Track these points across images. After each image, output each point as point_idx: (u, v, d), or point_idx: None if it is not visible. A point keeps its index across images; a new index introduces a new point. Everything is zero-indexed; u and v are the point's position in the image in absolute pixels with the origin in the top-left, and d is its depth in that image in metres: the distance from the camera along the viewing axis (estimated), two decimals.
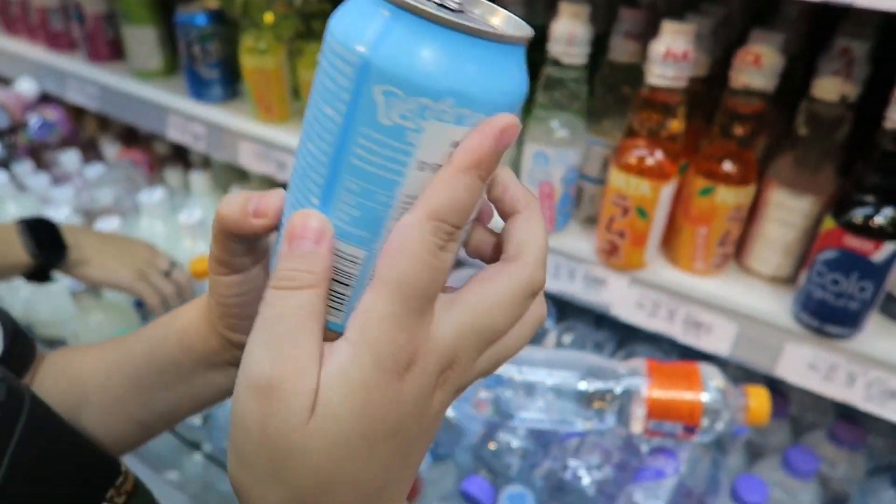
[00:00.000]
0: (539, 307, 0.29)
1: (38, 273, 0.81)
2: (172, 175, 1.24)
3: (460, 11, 0.26)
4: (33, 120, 1.28)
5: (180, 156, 1.36)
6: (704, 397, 0.66)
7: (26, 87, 1.26)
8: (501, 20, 0.28)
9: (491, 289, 0.27)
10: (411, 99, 0.23)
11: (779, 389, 0.87)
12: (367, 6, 0.24)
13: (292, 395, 0.24)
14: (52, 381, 0.48)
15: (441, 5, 0.25)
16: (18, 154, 1.26)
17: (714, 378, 0.67)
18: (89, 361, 0.48)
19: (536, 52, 0.80)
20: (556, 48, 0.68)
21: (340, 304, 0.28)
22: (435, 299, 0.26)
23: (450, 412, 0.78)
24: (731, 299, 0.69)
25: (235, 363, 0.38)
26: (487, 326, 0.27)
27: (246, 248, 0.32)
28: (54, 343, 0.98)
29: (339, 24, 0.25)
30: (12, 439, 0.37)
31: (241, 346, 0.34)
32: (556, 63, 0.69)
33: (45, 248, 0.79)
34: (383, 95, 0.23)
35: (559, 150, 0.72)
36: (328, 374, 0.25)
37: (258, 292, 0.33)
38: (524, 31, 0.26)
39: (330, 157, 0.25)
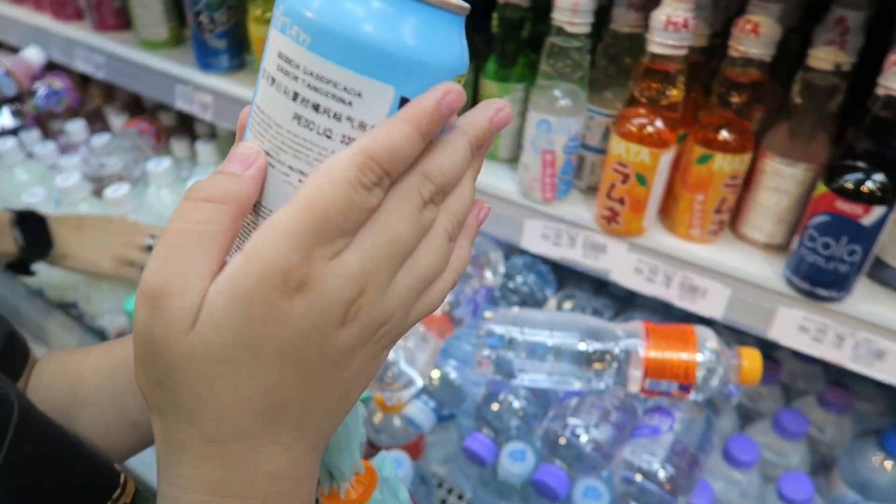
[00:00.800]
0: (445, 223, 0.29)
1: (20, 265, 0.83)
2: (179, 145, 1.26)
3: None
4: (40, 88, 1.30)
5: (186, 126, 1.37)
6: (699, 357, 0.68)
7: (33, 55, 1.27)
8: None
9: (384, 203, 0.26)
10: (275, 9, 0.27)
11: (771, 357, 0.90)
12: None
13: (176, 307, 0.24)
14: (48, 383, 0.48)
15: None
16: (26, 122, 1.27)
17: (709, 339, 0.70)
18: (90, 362, 0.47)
19: (542, 26, 0.82)
20: (560, 17, 0.69)
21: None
22: (346, 234, 0.25)
23: (452, 374, 0.81)
24: (726, 264, 0.71)
25: None
26: (388, 238, 0.26)
27: None
28: (66, 307, 1.00)
29: None
30: (0, 451, 0.36)
31: None
32: (560, 32, 0.70)
33: (33, 243, 0.82)
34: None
35: (562, 118, 0.74)
36: (217, 283, 0.25)
37: None
38: None
39: None
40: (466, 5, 0.28)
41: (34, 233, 0.82)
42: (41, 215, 0.84)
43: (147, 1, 1.12)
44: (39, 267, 1.02)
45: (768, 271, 0.71)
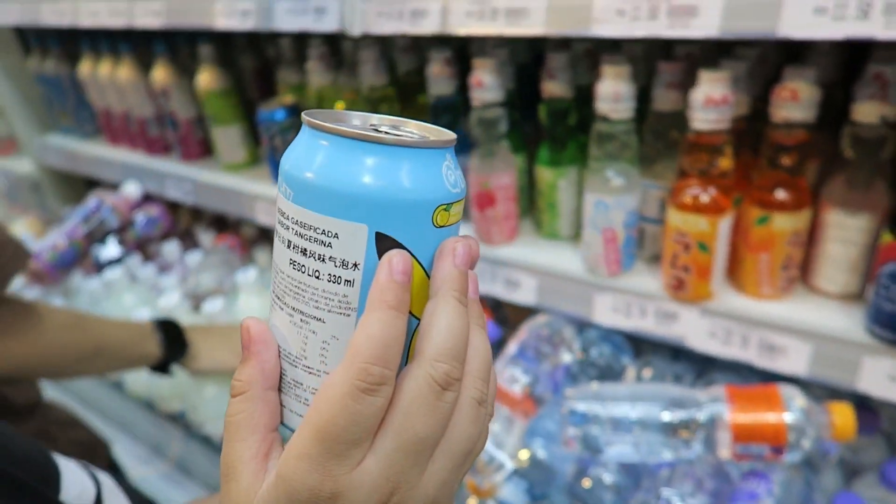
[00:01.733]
0: (472, 391, 0.29)
1: (162, 366, 0.92)
2: (262, 254, 1.36)
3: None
4: (139, 217, 1.44)
5: (266, 236, 1.49)
6: (787, 417, 0.68)
7: (131, 189, 1.42)
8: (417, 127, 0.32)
9: (399, 400, 0.27)
10: (283, 184, 0.30)
11: (868, 407, 0.87)
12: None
13: (234, 490, 0.28)
14: None
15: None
16: (129, 248, 1.41)
17: (795, 397, 0.70)
18: None
19: (587, 109, 0.87)
20: (603, 106, 0.74)
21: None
22: (359, 443, 0.26)
23: (541, 453, 0.83)
24: (803, 320, 0.72)
25: None
26: (409, 440, 0.27)
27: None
28: (175, 417, 1.08)
29: None
30: None
31: None
32: (605, 119, 0.75)
33: (173, 345, 0.91)
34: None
35: (617, 197, 0.78)
36: (260, 493, 0.27)
37: None
38: (332, 126, 0.28)
39: None
40: (445, 138, 0.29)
41: (172, 336, 0.90)
42: (176, 322, 0.92)
43: (226, 131, 1.25)
44: (146, 378, 1.11)
45: (847, 322, 0.71)
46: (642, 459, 0.75)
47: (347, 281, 0.28)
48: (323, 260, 0.28)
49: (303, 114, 0.29)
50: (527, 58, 1.01)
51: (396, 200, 0.27)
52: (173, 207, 1.60)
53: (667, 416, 0.73)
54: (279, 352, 0.30)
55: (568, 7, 0.69)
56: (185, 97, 1.30)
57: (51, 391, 1.20)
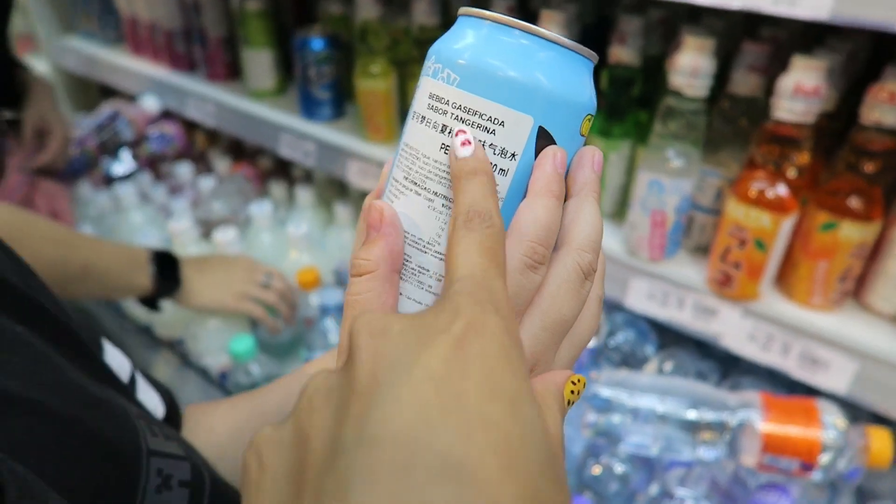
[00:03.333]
0: (597, 288, 0.30)
1: (151, 300, 0.88)
2: (277, 188, 1.31)
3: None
4: (154, 134, 1.38)
5: (283, 170, 1.43)
6: (823, 435, 0.65)
7: (150, 103, 1.35)
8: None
9: (549, 283, 0.27)
10: (425, 63, 0.30)
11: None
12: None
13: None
14: (190, 437, 0.49)
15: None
16: (140, 165, 1.36)
17: (834, 415, 0.66)
18: (220, 415, 0.49)
19: (651, 83, 0.81)
20: (678, 80, 0.69)
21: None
22: (518, 315, 0.27)
23: None
24: (852, 336, 0.68)
25: None
26: (555, 321, 0.27)
27: None
28: (173, 344, 1.05)
29: None
30: None
31: None
32: (678, 94, 0.70)
33: (166, 281, 0.87)
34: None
35: (674, 179, 0.73)
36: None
37: None
38: (512, 21, 0.29)
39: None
40: (595, 54, 0.30)
41: (167, 271, 0.86)
42: (174, 255, 0.88)
43: (257, 55, 1.19)
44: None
45: None
46: (660, 454, 0.72)
47: (502, 170, 0.29)
48: (483, 145, 0.28)
49: (468, 10, 0.30)
50: (592, 18, 0.94)
51: (564, 99, 0.28)
52: (190, 128, 1.54)
53: (692, 415, 0.70)
54: (405, 238, 0.30)
55: None
56: (218, 13, 1.23)
57: None
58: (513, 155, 0.28)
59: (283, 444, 0.22)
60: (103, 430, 0.33)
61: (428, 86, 0.30)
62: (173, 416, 0.49)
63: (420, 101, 0.30)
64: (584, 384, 0.29)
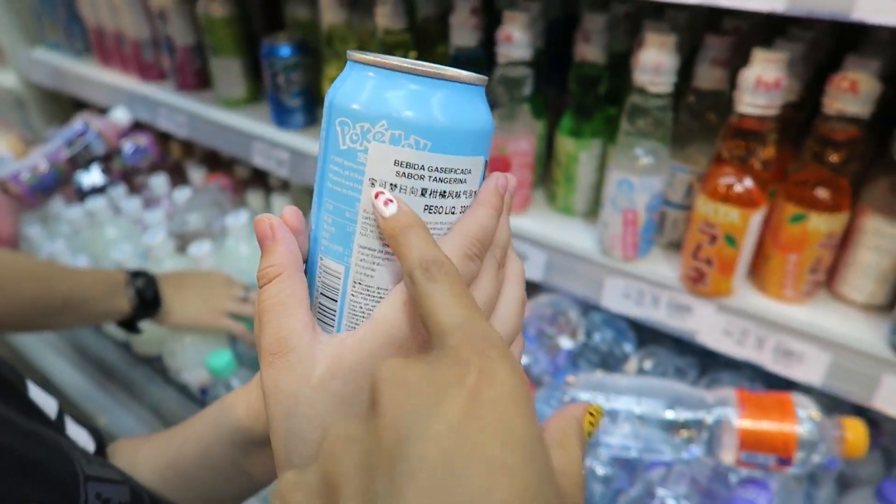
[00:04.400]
0: (516, 291, 0.33)
1: (130, 322, 0.87)
2: (254, 198, 1.30)
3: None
4: (127, 146, 1.36)
5: (260, 179, 1.42)
6: (799, 429, 0.65)
7: (121, 115, 1.34)
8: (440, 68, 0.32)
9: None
10: (356, 125, 0.29)
11: (871, 420, 0.85)
12: (347, 67, 0.31)
13: (294, 360, 0.28)
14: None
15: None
16: (113, 178, 1.34)
17: (808, 409, 0.66)
18: (143, 452, 0.49)
19: (618, 80, 0.81)
20: (641, 77, 0.68)
21: (332, 316, 0.32)
22: None
23: None
24: (824, 328, 0.68)
25: None
26: (484, 299, 0.31)
27: None
28: (152, 361, 1.04)
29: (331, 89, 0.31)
30: None
31: None
32: (642, 92, 0.69)
33: (145, 303, 0.86)
34: (339, 125, 0.30)
35: (644, 177, 0.72)
36: (346, 344, 0.29)
37: None
38: (449, 71, 0.30)
39: (316, 185, 0.32)
40: (455, 71, 0.32)
41: (146, 292, 0.85)
42: (152, 275, 0.87)
43: (226, 63, 1.17)
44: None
45: (871, 335, 0.67)
46: (639, 455, 0.71)
47: (465, 206, 0.32)
48: (459, 196, 0.31)
49: (374, 59, 0.30)
50: (558, 14, 0.94)
51: (492, 130, 0.32)
52: (163, 139, 1.52)
53: (670, 414, 0.70)
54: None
55: None
56: (185, 22, 1.21)
57: None
58: (473, 192, 0.32)
59: (311, 490, 0.23)
60: (37, 458, 0.33)
61: (388, 154, 0.29)
62: (103, 452, 0.49)
63: (381, 171, 0.30)
64: (602, 413, 0.31)
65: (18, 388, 0.41)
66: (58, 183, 1.29)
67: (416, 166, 0.30)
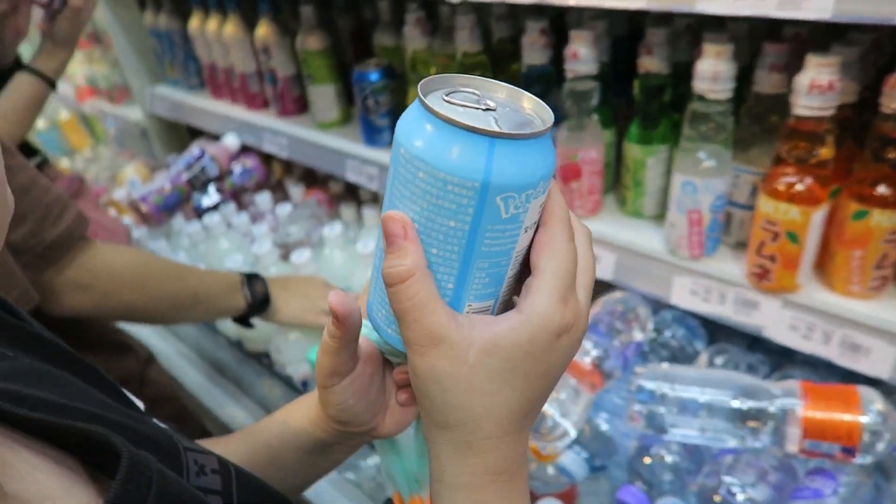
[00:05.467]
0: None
1: (244, 318, 1.00)
2: (347, 211, 1.41)
3: (492, 109, 0.33)
4: (236, 168, 1.52)
5: (352, 193, 1.54)
6: (863, 419, 0.66)
7: (231, 141, 1.49)
8: (532, 105, 0.35)
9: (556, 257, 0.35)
10: (522, 194, 0.32)
11: None
12: (459, 139, 0.31)
13: (451, 344, 0.33)
14: None
15: (485, 108, 0.33)
16: (225, 196, 1.50)
17: (874, 401, 0.68)
18: (220, 451, 0.52)
19: (682, 87, 0.85)
20: (701, 85, 0.73)
21: None
22: (575, 278, 0.35)
23: (604, 426, 0.84)
24: (891, 321, 0.69)
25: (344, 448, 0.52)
26: (590, 285, 0.36)
27: (350, 353, 0.42)
28: (260, 356, 1.16)
29: (441, 160, 0.31)
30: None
31: (354, 436, 0.48)
32: (702, 98, 0.74)
33: (258, 301, 0.98)
34: (502, 200, 0.31)
35: (706, 179, 0.76)
36: (498, 330, 0.33)
37: (363, 382, 0.44)
38: (550, 119, 0.33)
39: (461, 254, 0.33)
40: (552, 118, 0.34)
41: (258, 292, 0.98)
42: (262, 277, 0.99)
43: (321, 90, 1.30)
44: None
45: None
46: (706, 444, 0.75)
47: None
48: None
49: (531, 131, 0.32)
50: (623, 31, 0.99)
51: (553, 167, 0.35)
52: (267, 160, 1.67)
53: (736, 404, 0.73)
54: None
55: None
56: (286, 55, 1.35)
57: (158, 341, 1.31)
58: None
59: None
60: (147, 433, 0.40)
61: (541, 200, 0.34)
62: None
63: (532, 215, 0.34)
64: None
65: (118, 387, 0.49)
66: (179, 202, 1.46)
67: (542, 201, 0.34)
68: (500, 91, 0.36)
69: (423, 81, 0.33)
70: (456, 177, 0.31)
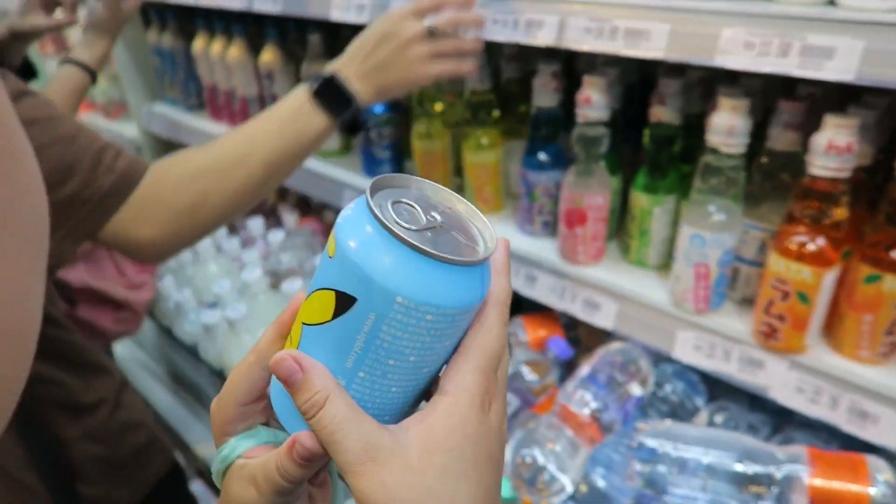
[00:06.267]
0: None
1: (347, 125, 0.83)
2: None
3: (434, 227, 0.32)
4: None
5: None
6: (872, 490, 0.64)
7: None
8: (481, 226, 0.35)
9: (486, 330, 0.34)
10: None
11: None
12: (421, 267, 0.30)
13: (389, 452, 0.30)
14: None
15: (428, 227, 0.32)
16: None
17: (882, 471, 0.66)
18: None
19: (692, 139, 0.85)
20: (715, 138, 0.72)
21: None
22: (500, 358, 0.34)
23: (600, 482, 0.81)
24: None
25: None
26: (497, 355, 0.34)
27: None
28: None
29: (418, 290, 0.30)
30: None
31: None
32: (715, 152, 0.73)
33: (336, 104, 0.80)
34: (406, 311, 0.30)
35: (716, 233, 0.75)
36: (430, 421, 0.31)
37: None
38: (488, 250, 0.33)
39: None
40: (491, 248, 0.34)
41: (332, 95, 0.82)
42: (327, 75, 0.82)
43: None
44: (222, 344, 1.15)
45: None
46: None
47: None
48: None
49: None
50: (634, 78, 0.99)
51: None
52: None
53: (740, 468, 0.70)
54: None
55: (693, 34, 0.67)
56: (290, 81, 1.34)
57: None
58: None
59: None
60: None
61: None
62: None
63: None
64: None
65: None
66: None
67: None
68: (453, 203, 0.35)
69: (375, 180, 0.33)
70: (430, 304, 0.31)
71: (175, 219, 0.76)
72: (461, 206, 0.35)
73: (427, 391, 0.36)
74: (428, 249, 0.30)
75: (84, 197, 0.70)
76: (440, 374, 0.34)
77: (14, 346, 0.23)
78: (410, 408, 0.36)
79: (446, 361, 0.34)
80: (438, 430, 0.31)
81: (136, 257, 0.77)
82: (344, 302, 0.31)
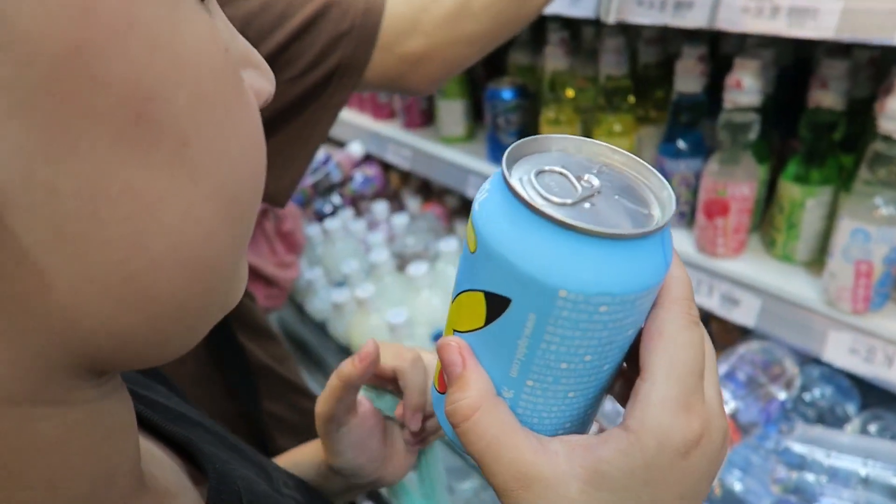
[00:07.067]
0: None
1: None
2: (460, 226, 1.40)
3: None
4: (357, 176, 1.55)
5: (467, 209, 1.53)
6: None
7: (356, 149, 1.52)
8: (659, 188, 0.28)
9: (677, 343, 0.27)
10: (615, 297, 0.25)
11: None
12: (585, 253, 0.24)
13: (547, 483, 0.26)
14: None
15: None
16: (344, 202, 1.53)
17: None
18: None
19: (855, 126, 0.78)
20: (889, 125, 0.66)
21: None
22: (703, 373, 0.27)
23: (737, 485, 0.77)
24: None
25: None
26: (713, 368, 0.29)
27: (347, 405, 0.44)
28: None
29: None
30: None
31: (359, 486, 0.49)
32: (887, 139, 0.67)
33: None
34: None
35: (883, 228, 0.69)
36: (603, 456, 0.26)
37: (361, 435, 0.46)
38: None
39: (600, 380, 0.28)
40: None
41: None
42: None
43: (450, 105, 1.30)
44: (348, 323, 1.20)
45: None
46: None
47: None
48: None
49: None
50: (789, 61, 0.92)
51: None
52: (385, 169, 1.70)
53: None
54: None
55: (868, 10, 0.62)
56: None
57: None
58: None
59: None
60: (237, 444, 0.43)
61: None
62: None
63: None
64: None
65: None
66: (302, 205, 1.50)
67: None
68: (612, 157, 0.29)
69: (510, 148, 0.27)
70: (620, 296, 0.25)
71: (441, 24, 0.67)
72: (620, 158, 0.29)
73: (611, 386, 0.31)
74: (590, 227, 0.24)
75: (343, 30, 0.64)
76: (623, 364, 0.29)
77: (200, 278, 0.23)
78: (595, 407, 0.31)
79: (632, 348, 0.29)
80: (612, 468, 0.26)
81: (410, 79, 0.70)
82: (496, 304, 0.26)
